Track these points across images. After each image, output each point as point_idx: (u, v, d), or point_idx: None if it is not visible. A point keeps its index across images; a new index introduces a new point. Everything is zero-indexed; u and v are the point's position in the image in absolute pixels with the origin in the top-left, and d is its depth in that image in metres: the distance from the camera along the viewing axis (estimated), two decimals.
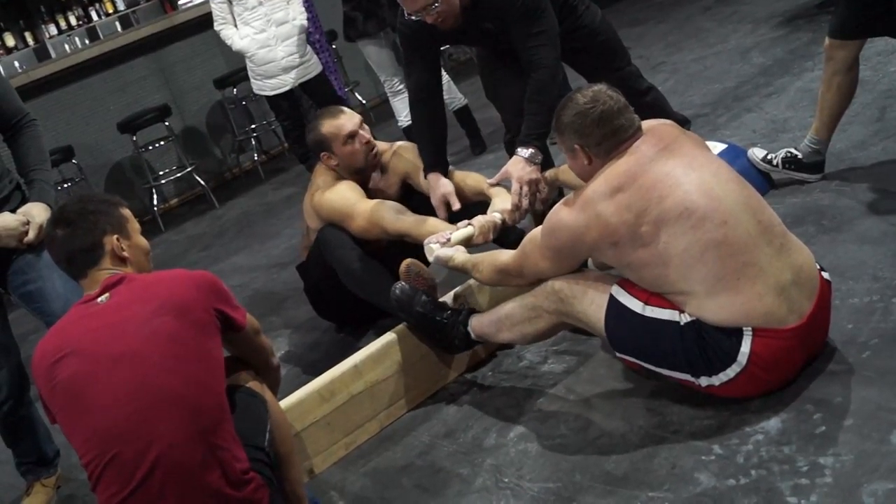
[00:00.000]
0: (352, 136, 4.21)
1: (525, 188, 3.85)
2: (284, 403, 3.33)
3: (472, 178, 4.19)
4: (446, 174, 4.16)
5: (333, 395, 3.50)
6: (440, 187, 4.09)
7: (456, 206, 4.03)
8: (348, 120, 4.23)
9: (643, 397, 3.21)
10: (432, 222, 3.91)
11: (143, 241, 3.00)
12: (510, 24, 4.00)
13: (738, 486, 2.63)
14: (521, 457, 3.16)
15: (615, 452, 2.98)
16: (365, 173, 4.33)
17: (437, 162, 4.16)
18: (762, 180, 4.39)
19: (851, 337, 3.09)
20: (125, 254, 2.86)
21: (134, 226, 2.97)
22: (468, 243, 3.74)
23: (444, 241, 3.71)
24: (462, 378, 3.82)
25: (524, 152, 3.90)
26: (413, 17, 3.94)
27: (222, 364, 2.67)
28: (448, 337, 3.63)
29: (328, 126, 4.22)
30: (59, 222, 2.87)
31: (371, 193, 4.30)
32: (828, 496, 2.48)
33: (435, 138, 4.23)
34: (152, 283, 2.74)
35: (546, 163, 4.04)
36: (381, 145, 4.45)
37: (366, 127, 4.31)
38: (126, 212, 2.97)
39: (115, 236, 2.86)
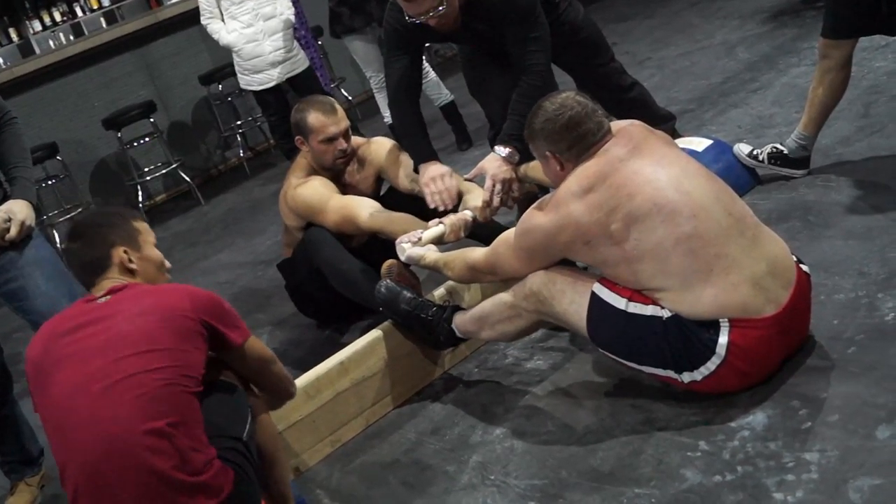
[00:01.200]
0: (331, 139, 4.22)
1: (498, 186, 3.86)
2: None
3: None
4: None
5: (319, 393, 3.49)
6: (439, 171, 4.04)
7: (453, 189, 4.00)
8: (335, 124, 4.23)
9: (629, 394, 3.21)
10: (404, 219, 3.93)
11: (156, 253, 3.02)
12: (505, 27, 3.99)
13: (724, 482, 2.64)
14: (508, 453, 3.15)
15: (601, 449, 2.98)
16: (331, 172, 4.34)
17: (431, 153, 4.13)
18: (748, 176, 4.40)
19: (837, 332, 3.10)
20: (133, 266, 2.89)
21: (147, 238, 3.00)
22: (439, 242, 3.76)
23: (415, 240, 3.72)
24: (448, 375, 3.82)
25: (502, 151, 3.91)
26: (416, 21, 3.92)
27: (197, 372, 2.64)
28: (433, 334, 3.62)
29: (315, 118, 4.22)
30: (72, 236, 2.94)
31: (345, 188, 4.32)
32: (814, 492, 2.48)
33: (424, 131, 4.22)
34: (149, 291, 2.78)
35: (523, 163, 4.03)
36: (357, 140, 4.45)
37: (350, 135, 4.31)
38: (140, 224, 3.01)
39: (123, 248, 2.89)
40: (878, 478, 2.44)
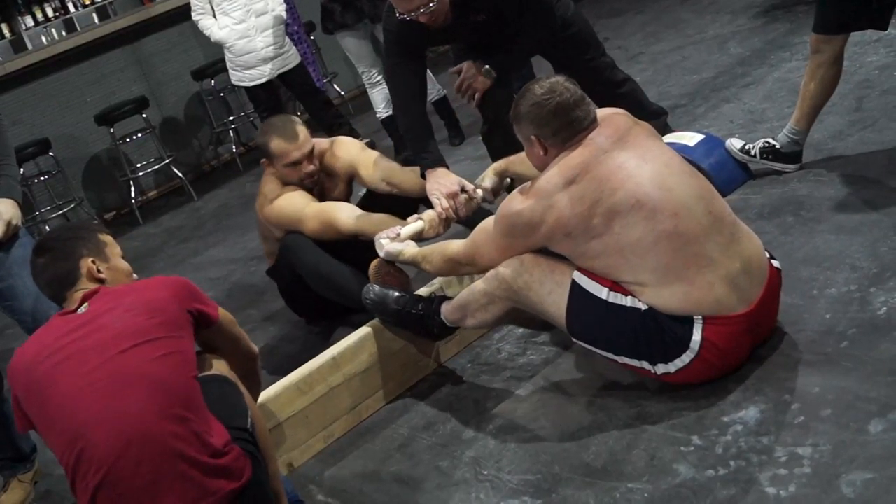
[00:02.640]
0: (295, 164, 4.22)
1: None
2: (262, 396, 3.33)
3: (416, 172, 4.16)
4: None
5: (312, 388, 3.49)
6: (451, 180, 3.96)
7: (478, 193, 3.94)
8: (297, 149, 4.20)
9: (622, 388, 3.21)
10: (383, 219, 3.93)
11: (123, 264, 3.05)
12: (510, 13, 4.02)
13: (716, 476, 2.64)
14: (501, 449, 3.15)
15: (594, 444, 2.98)
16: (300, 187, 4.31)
17: (439, 159, 4.09)
18: (740, 171, 4.40)
19: (829, 327, 3.10)
20: (102, 275, 2.92)
21: (114, 250, 3.03)
22: (418, 237, 3.76)
23: (393, 236, 3.71)
24: (441, 370, 3.82)
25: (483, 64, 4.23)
26: (406, 17, 3.91)
27: (193, 358, 2.71)
28: (427, 327, 3.62)
29: (276, 145, 4.21)
30: (38, 251, 2.95)
31: (318, 195, 4.30)
32: (806, 486, 2.48)
33: (432, 136, 4.22)
34: (127, 289, 2.82)
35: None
36: (319, 144, 4.42)
37: (314, 155, 4.29)
38: (105, 237, 3.04)
39: (91, 259, 2.92)
40: (871, 472, 2.44)
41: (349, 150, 4.42)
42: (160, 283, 2.82)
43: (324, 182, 4.41)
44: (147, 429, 2.47)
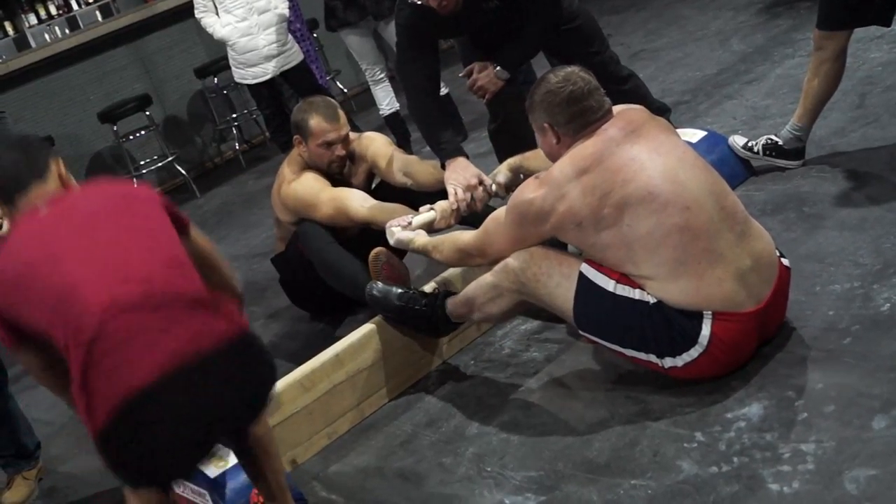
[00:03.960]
0: (328, 144, 4.23)
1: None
2: None
3: (433, 166, 4.17)
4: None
5: (315, 385, 3.49)
6: (471, 172, 3.94)
7: (492, 188, 3.92)
8: (335, 130, 4.22)
9: (625, 385, 3.21)
10: (396, 208, 3.94)
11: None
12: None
13: (719, 473, 2.64)
14: (504, 445, 3.16)
15: (597, 440, 2.98)
16: (325, 173, 4.33)
17: (458, 149, 4.09)
18: (742, 167, 4.40)
19: (832, 323, 3.10)
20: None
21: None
22: (430, 228, 3.75)
23: (404, 225, 3.71)
24: (444, 366, 3.82)
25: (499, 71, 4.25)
26: (418, 2, 3.93)
27: (173, 228, 2.75)
28: (430, 323, 3.62)
29: (316, 123, 4.21)
30: (4, 145, 2.88)
31: (337, 183, 4.30)
32: (809, 483, 2.48)
33: (448, 126, 4.23)
34: (93, 189, 2.87)
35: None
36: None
37: (349, 141, 4.32)
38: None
39: (59, 160, 2.90)
40: (874, 468, 2.44)
41: (376, 143, 4.46)
42: (126, 183, 2.84)
43: (347, 170, 4.43)
44: (149, 272, 2.50)
